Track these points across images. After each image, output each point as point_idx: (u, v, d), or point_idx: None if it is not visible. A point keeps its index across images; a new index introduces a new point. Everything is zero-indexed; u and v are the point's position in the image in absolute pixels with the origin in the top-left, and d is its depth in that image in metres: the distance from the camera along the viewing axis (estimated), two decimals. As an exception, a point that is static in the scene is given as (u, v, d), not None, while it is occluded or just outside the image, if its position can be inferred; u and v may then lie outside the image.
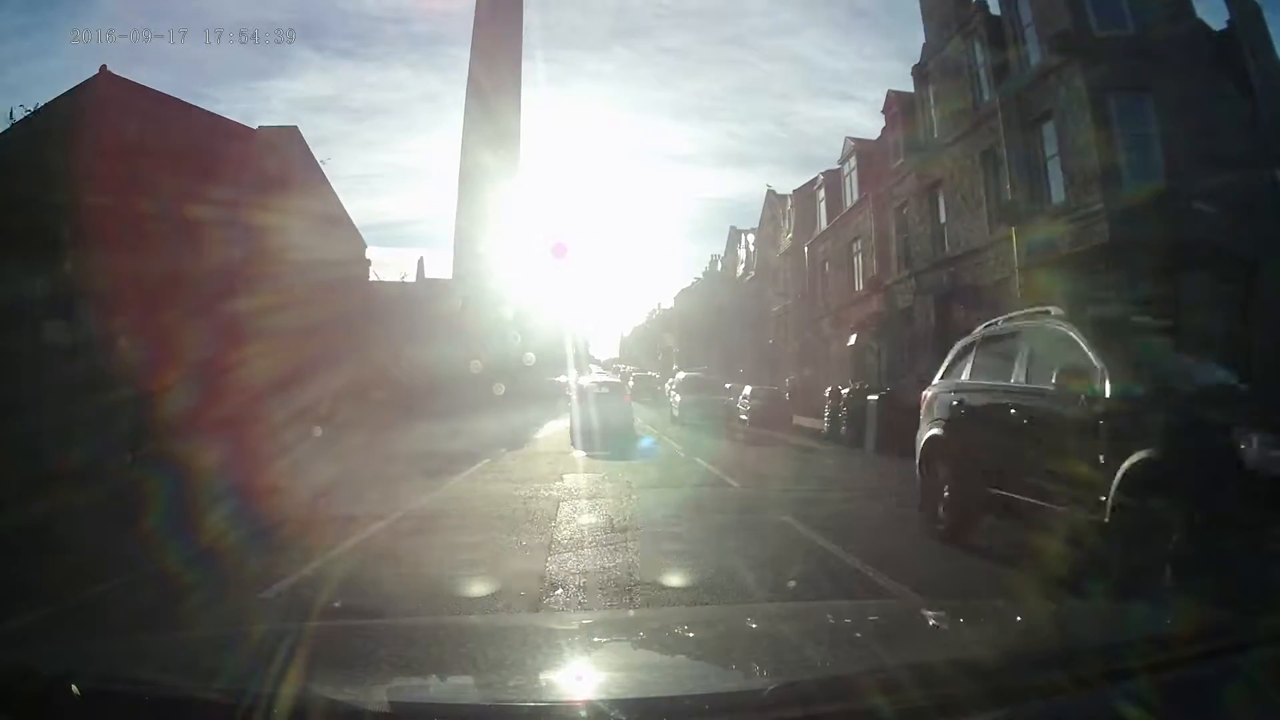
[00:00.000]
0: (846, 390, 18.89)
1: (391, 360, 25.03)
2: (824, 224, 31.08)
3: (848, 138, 29.24)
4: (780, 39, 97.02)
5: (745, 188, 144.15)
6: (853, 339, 27.33)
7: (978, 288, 19.74)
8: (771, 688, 1.29)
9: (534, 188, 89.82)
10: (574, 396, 21.15)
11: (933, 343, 21.46)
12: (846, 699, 1.25)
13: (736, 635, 2.03)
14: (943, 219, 21.85)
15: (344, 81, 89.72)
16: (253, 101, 78.24)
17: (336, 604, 4.56)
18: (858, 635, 2.01)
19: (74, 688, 1.23)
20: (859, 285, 27.81)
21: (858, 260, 28.06)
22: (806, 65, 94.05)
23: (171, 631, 3.42)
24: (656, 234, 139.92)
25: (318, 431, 16.37)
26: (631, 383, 33.48)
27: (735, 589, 4.92)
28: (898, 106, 24.09)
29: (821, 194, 31.45)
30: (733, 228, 56.68)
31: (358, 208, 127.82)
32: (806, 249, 32.86)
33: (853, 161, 28.26)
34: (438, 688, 1.56)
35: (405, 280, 34.60)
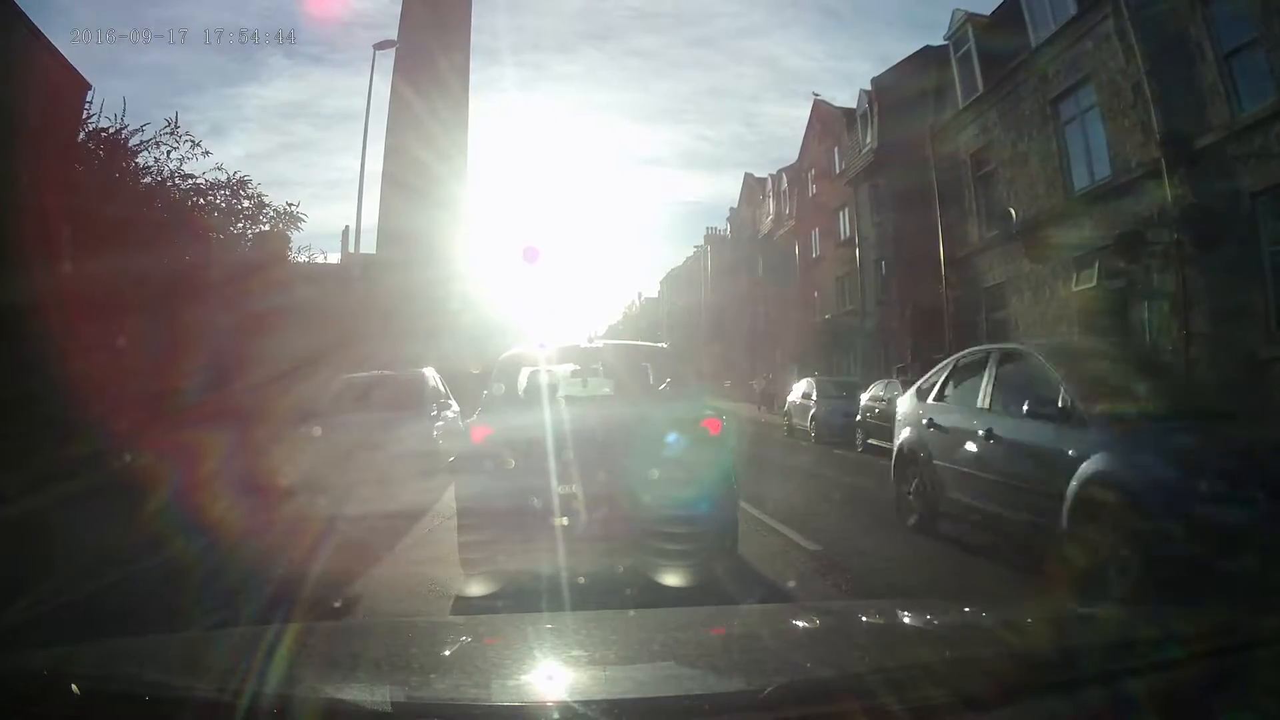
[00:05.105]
0: None
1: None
2: (977, 89, 17.82)
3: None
4: (750, 40, 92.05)
5: (714, 190, 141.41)
6: (1090, 274, 14.09)
7: None
8: (770, 688, 1.26)
9: (494, 191, 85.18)
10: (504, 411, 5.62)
11: None
12: (843, 699, 1.22)
13: (735, 635, 1.99)
14: None
15: (315, 88, 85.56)
16: (225, 109, 74.88)
17: (336, 603, 4.40)
18: (854, 636, 1.97)
19: (73, 687, 1.21)
20: (1093, 173, 14.55)
21: (1083, 128, 14.80)
22: (775, 66, 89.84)
23: (169, 630, 3.36)
24: (625, 236, 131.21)
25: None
26: None
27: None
28: None
29: (969, 44, 18.15)
30: (748, 174, 43.48)
31: (332, 213, 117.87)
32: (931, 140, 19.52)
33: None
34: (437, 687, 1.50)
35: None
